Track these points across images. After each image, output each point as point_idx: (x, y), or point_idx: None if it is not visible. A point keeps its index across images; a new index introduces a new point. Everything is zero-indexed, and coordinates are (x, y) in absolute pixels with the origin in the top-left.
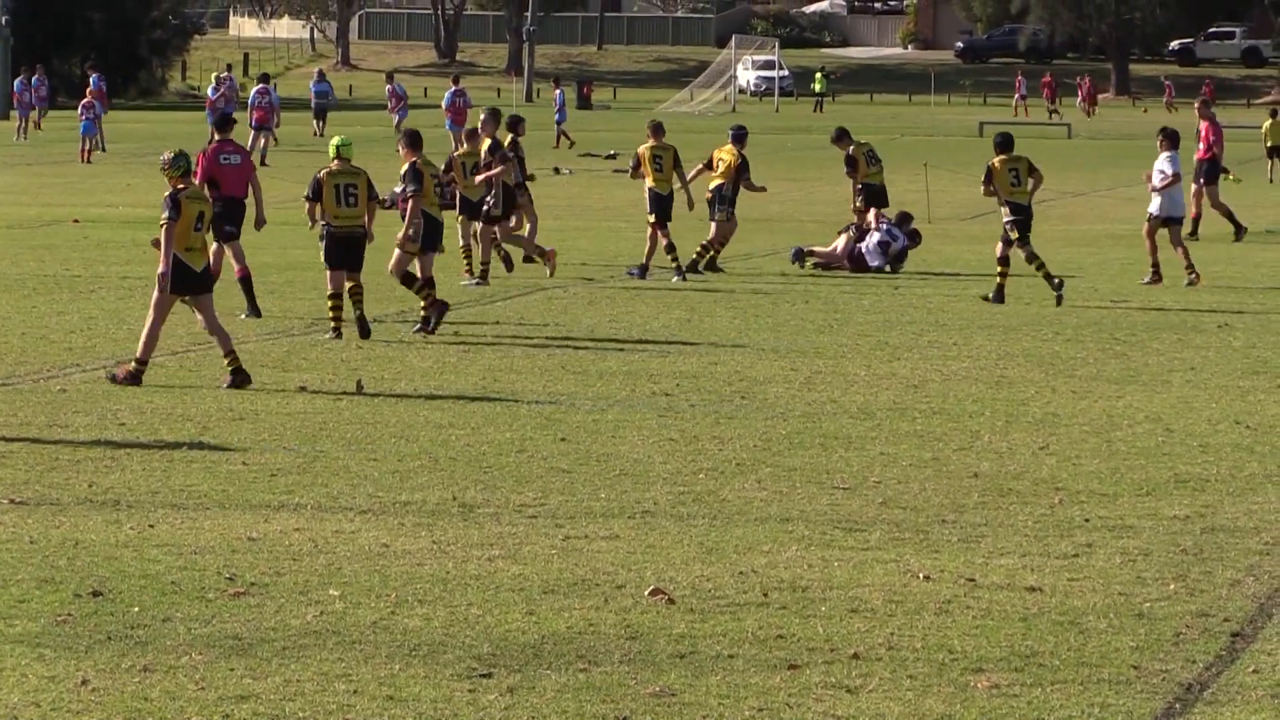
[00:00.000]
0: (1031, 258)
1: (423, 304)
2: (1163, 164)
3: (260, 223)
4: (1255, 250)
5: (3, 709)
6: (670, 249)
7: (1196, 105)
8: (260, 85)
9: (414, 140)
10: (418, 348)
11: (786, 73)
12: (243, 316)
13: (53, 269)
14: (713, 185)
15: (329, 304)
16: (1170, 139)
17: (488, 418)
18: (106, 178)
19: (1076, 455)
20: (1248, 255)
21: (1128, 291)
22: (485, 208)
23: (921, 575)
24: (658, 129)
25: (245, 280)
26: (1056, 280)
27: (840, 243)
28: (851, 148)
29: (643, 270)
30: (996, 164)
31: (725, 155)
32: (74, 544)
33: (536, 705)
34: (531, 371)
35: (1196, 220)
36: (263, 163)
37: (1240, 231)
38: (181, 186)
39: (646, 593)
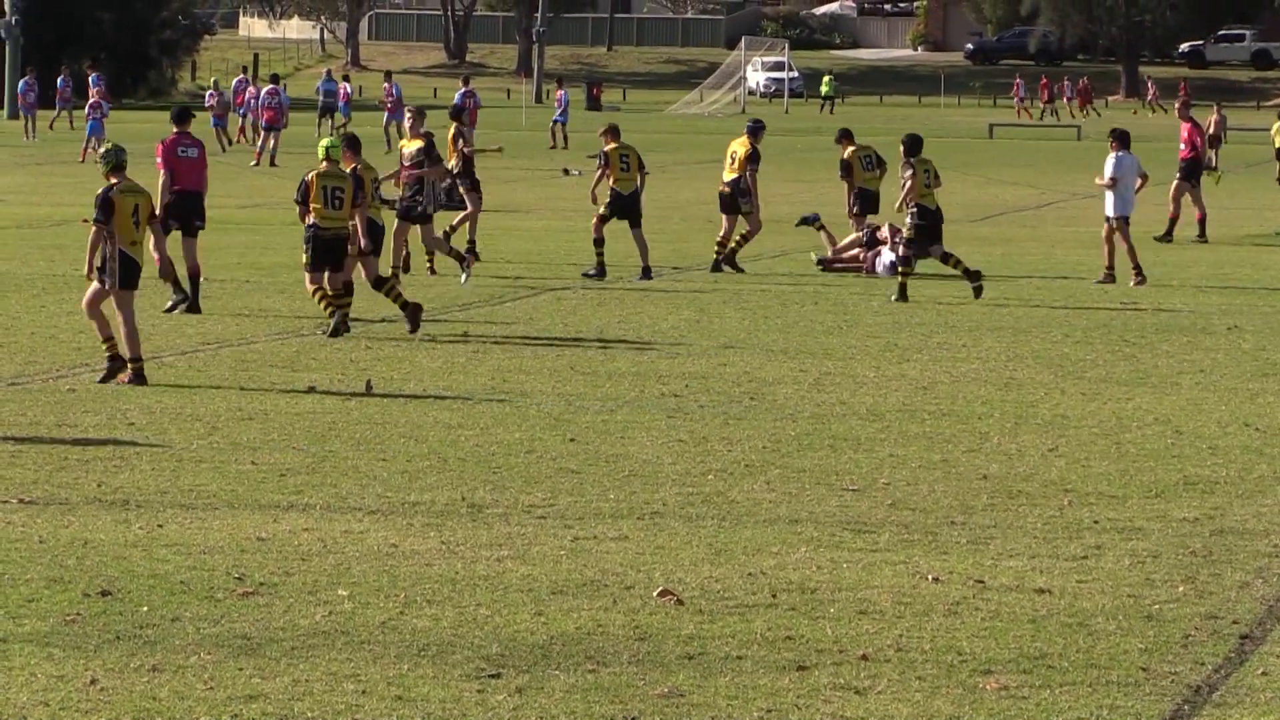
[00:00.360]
0: (907, 261)
1: (398, 306)
2: (1107, 165)
3: (201, 221)
4: (1265, 253)
5: (11, 708)
6: (599, 243)
7: (1176, 107)
8: (270, 86)
9: (353, 145)
10: (426, 348)
11: (796, 74)
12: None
13: (62, 269)
14: (729, 179)
15: (315, 298)
16: (1120, 140)
17: (496, 418)
18: None
19: (1085, 457)
20: (1257, 257)
21: (1137, 293)
22: (419, 208)
23: (930, 577)
24: (615, 131)
25: (163, 274)
26: (900, 290)
27: (850, 239)
28: (848, 151)
29: (645, 272)
30: (916, 163)
31: (738, 148)
32: (83, 543)
33: (545, 706)
34: (540, 372)
35: (1202, 221)
36: (272, 163)
37: (1167, 236)
38: (114, 181)
39: (655, 594)
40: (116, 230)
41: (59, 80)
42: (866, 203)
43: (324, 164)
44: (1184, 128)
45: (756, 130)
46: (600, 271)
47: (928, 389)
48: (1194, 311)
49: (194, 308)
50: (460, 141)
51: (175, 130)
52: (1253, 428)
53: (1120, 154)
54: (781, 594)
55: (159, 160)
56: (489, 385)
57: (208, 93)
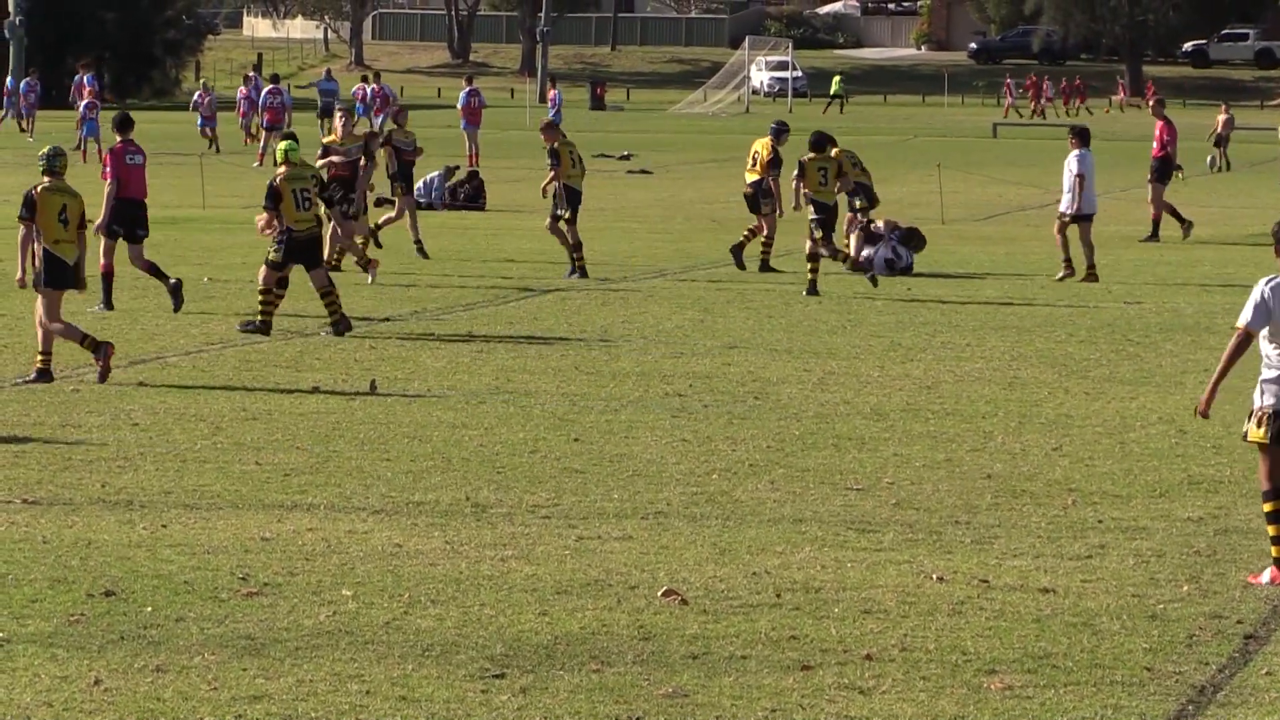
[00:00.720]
0: (835, 254)
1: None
2: (1070, 162)
3: (145, 230)
4: (1268, 251)
5: (16, 709)
6: (577, 247)
7: (1151, 105)
8: (271, 86)
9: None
10: (431, 348)
11: (800, 74)
12: (96, 309)
13: None
14: (751, 180)
15: (261, 296)
16: (1080, 136)
17: (501, 418)
18: None
19: (1090, 456)
20: (1260, 256)
21: (1141, 293)
22: (344, 206)
23: (935, 576)
24: (556, 126)
25: (107, 276)
26: (871, 275)
27: (852, 241)
28: (833, 153)
29: (578, 268)
30: (807, 162)
31: (761, 150)
32: (87, 544)
33: (549, 706)
34: (545, 372)
35: (1157, 221)
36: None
37: (1187, 227)
38: (45, 181)
39: (659, 593)
40: (41, 228)
41: (75, 79)
42: (865, 196)
43: (284, 167)
44: (1157, 126)
45: (779, 133)
46: (582, 272)
47: (932, 388)
48: (1198, 311)
49: (176, 294)
50: (395, 138)
51: (120, 139)
52: None
53: (1082, 151)
54: (786, 593)
55: (106, 170)
56: (493, 385)
57: (195, 94)
